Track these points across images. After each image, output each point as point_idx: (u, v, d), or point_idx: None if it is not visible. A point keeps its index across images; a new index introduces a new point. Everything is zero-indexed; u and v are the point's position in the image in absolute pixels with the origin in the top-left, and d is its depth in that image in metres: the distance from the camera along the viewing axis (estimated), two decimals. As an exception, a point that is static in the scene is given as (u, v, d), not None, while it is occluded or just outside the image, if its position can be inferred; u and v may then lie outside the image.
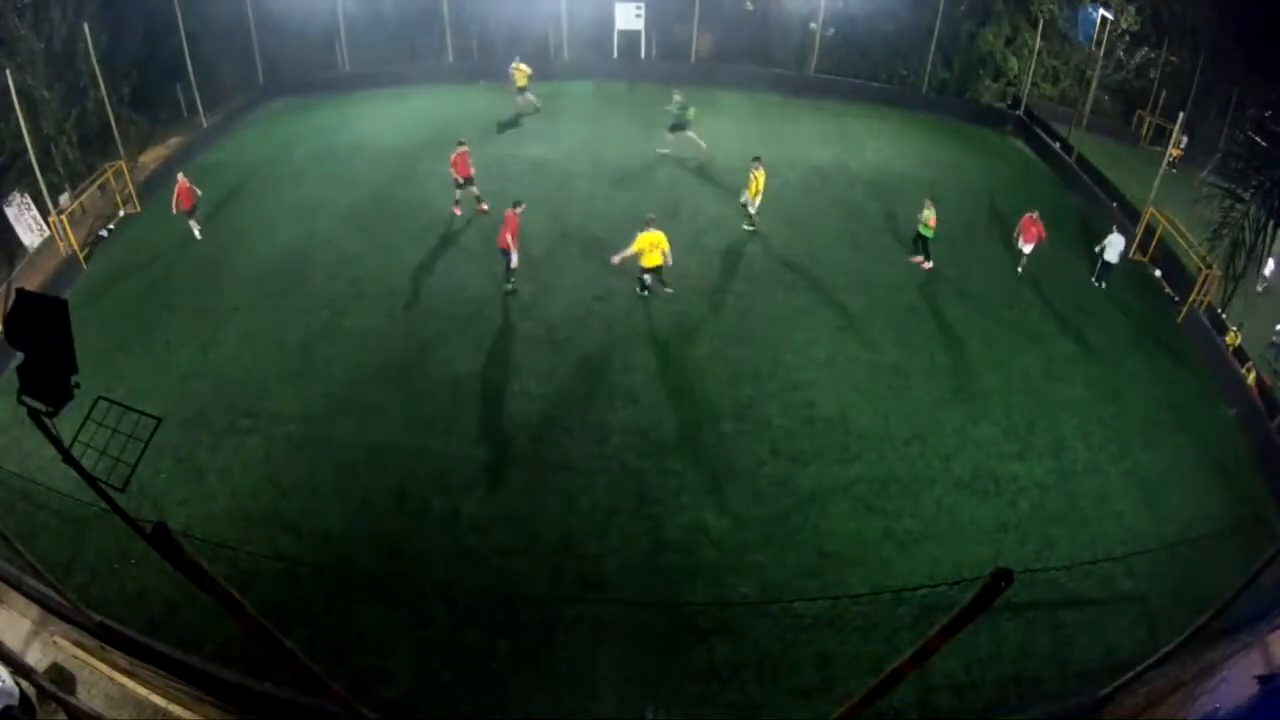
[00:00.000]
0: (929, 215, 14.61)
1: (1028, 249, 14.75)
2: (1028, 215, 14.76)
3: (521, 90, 20.68)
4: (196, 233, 15.67)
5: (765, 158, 15.60)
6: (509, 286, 13.60)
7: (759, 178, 15.20)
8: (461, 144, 15.82)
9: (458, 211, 16.24)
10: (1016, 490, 10.11)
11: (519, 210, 13.33)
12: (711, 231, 15.78)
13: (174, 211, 15.34)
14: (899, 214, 16.97)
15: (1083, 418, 11.45)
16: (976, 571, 3.76)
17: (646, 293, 13.42)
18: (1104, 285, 15.09)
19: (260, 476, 9.98)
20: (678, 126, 18.57)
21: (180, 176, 15.44)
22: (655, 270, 12.94)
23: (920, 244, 15.09)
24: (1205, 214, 13.18)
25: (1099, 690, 6.72)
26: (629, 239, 12.75)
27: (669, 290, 13.39)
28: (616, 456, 10.30)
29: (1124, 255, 15.13)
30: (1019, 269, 15.05)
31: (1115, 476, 10.49)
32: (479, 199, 16.20)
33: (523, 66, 20.70)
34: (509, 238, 13.06)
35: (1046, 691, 7.70)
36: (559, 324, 12.86)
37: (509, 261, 13.39)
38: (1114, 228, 15.34)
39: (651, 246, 12.59)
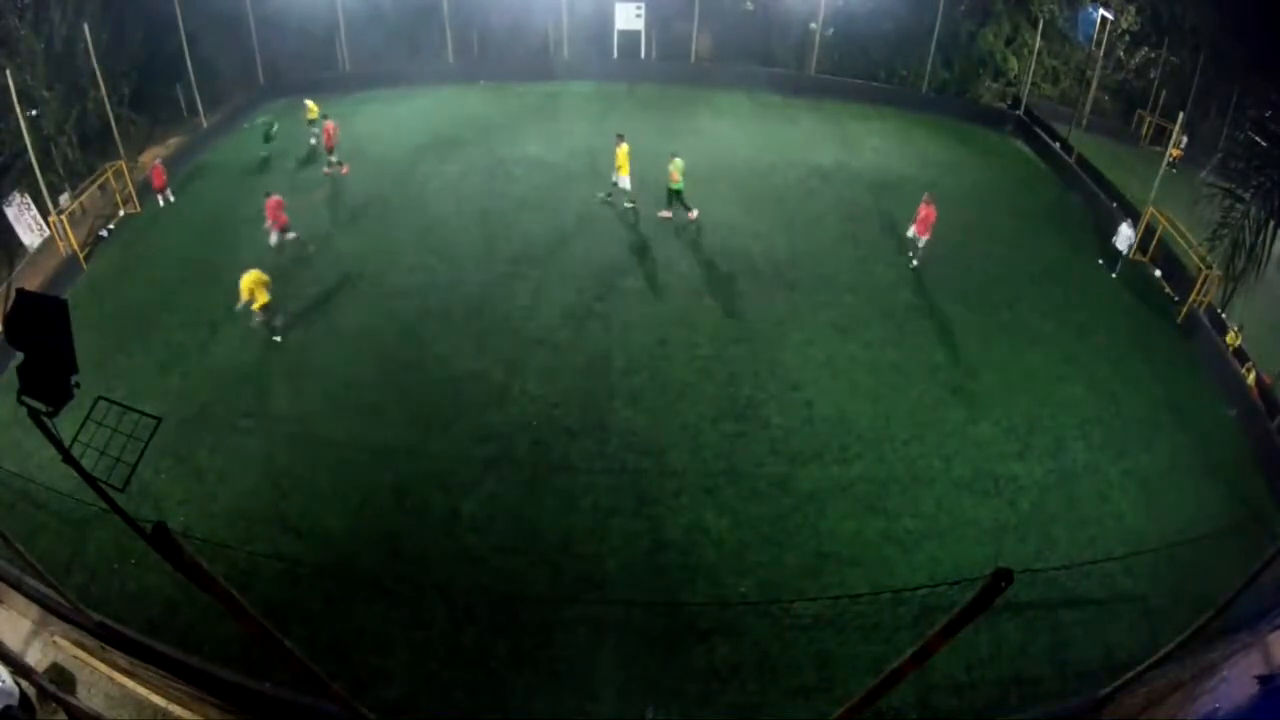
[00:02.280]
0: (673, 169, 15.25)
1: (923, 241, 14.43)
2: (925, 195, 14.52)
3: (312, 123, 19.95)
4: (161, 201, 17.39)
5: (765, 158, 15.63)
6: (278, 241, 14.61)
7: (620, 153, 15.89)
8: (319, 117, 18.54)
9: (328, 172, 18.20)
10: (1016, 490, 10.11)
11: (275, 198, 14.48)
12: (710, 232, 15.77)
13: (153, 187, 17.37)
14: (899, 214, 16.95)
15: (1083, 418, 11.44)
16: (976, 571, 3.75)
17: (278, 339, 12.40)
18: (1114, 274, 15.50)
19: (260, 476, 9.99)
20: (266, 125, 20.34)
21: (157, 163, 17.65)
22: (265, 307, 12.11)
23: (674, 198, 15.63)
24: (1205, 214, 13.13)
25: (1099, 690, 6.70)
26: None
27: (257, 323, 12.34)
28: (616, 456, 10.30)
29: (1129, 244, 15.54)
30: (913, 262, 14.75)
31: (1115, 476, 10.48)
32: (334, 164, 18.25)
33: (309, 102, 20.31)
34: (281, 219, 14.46)
35: (1046, 691, 7.70)
36: (559, 324, 12.86)
37: (281, 238, 14.53)
38: (1125, 218, 15.93)
39: (250, 291, 11.88)
